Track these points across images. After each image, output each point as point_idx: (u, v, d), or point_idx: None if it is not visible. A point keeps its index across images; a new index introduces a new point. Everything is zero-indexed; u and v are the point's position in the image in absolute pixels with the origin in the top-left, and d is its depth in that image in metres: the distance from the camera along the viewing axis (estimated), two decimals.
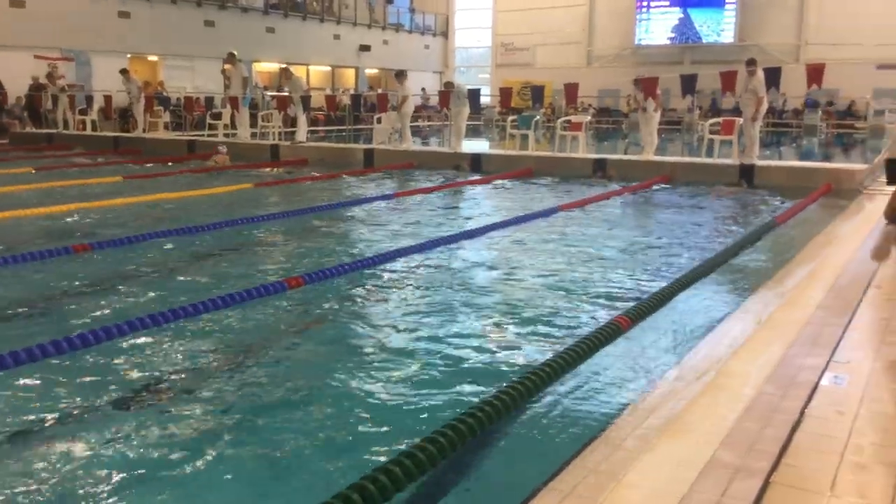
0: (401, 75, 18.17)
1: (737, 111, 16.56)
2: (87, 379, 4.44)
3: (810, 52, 31.27)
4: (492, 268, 7.42)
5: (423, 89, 28.93)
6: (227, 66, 19.61)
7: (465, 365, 4.72)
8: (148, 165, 16.53)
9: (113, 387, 4.34)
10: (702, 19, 35.50)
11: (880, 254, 4.72)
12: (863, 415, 3.57)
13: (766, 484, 2.91)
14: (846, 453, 3.17)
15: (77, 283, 6.70)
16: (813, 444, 3.26)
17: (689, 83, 15.23)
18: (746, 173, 13.45)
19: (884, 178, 12.32)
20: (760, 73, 13.72)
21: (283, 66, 19.46)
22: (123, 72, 21.04)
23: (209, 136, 21.21)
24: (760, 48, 28.79)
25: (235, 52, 19.77)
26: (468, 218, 10.55)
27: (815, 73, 13.59)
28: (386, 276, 6.96)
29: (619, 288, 6.55)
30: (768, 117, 28.01)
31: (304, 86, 19.63)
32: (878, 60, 27.38)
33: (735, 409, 3.59)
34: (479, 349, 5.00)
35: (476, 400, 3.81)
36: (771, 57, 28.00)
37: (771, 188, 12.75)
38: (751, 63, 13.98)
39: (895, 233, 4.60)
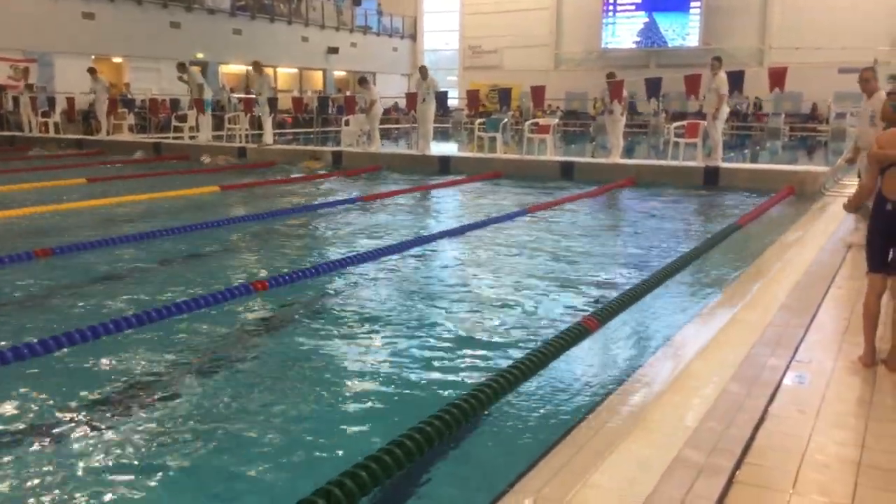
0: (364, 82, 18.14)
1: (702, 115, 16.72)
2: (48, 385, 4.36)
3: (773, 56, 31.69)
4: (459, 270, 7.43)
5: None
6: (182, 75, 19.53)
7: (431, 368, 4.72)
8: (112, 167, 16.32)
9: (78, 392, 4.27)
10: (667, 23, 35.85)
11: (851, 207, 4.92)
12: (824, 414, 3.62)
13: (729, 483, 2.94)
14: (808, 452, 3.22)
15: (39, 288, 6.59)
16: (776, 443, 3.30)
17: (653, 86, 15.37)
18: (711, 176, 13.60)
19: (845, 181, 12.59)
20: (723, 73, 13.83)
21: (255, 61, 19.21)
22: (91, 71, 20.75)
23: (174, 138, 21.01)
24: (725, 52, 29.04)
25: (184, 62, 19.63)
26: (436, 221, 10.56)
27: (777, 76, 13.77)
28: (352, 278, 6.94)
29: (586, 289, 6.59)
30: (731, 120, 28.34)
31: (272, 83, 19.51)
32: (841, 64, 27.80)
33: (699, 408, 3.63)
34: (445, 352, 5.00)
35: (443, 403, 3.80)
36: (735, 61, 28.31)
37: (736, 190, 12.91)
38: (714, 61, 14.09)
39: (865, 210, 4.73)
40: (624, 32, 36.87)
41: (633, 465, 3.08)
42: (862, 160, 7.88)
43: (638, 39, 36.65)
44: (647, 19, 36.26)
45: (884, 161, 4.25)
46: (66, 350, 4.76)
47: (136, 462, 3.48)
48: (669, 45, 35.83)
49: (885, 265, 4.31)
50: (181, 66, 19.33)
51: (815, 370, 4.21)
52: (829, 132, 27.90)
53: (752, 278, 6.48)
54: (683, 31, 35.58)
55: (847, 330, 4.90)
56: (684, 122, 16.60)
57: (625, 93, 15.27)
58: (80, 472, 3.39)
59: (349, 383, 4.47)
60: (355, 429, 3.89)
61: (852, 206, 4.89)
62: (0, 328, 5.43)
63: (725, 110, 14.25)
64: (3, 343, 4.83)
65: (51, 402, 4.16)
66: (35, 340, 4.76)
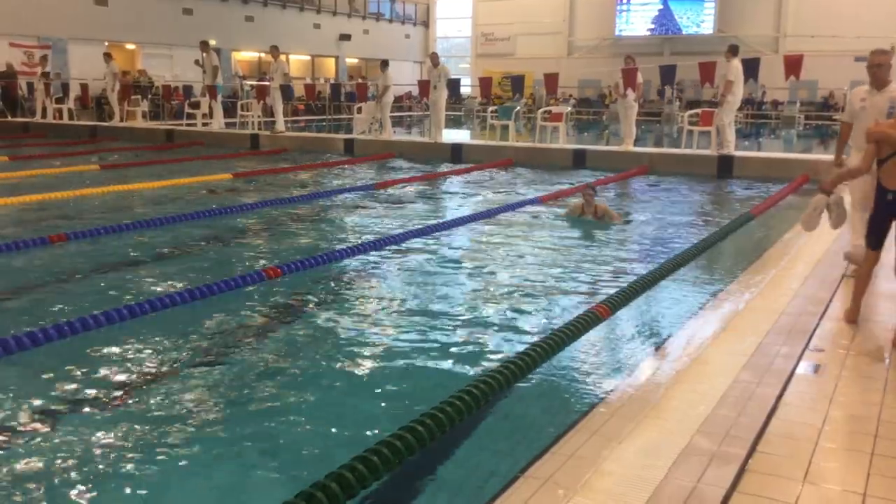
0: (385, 66, 18.13)
1: (716, 103, 16.58)
2: (67, 371, 4.40)
3: (789, 44, 31.41)
4: (472, 258, 7.42)
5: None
6: (203, 55, 19.51)
7: (442, 354, 4.72)
8: (126, 154, 16.38)
9: (92, 378, 4.31)
10: (682, 10, 35.57)
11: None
12: (837, 403, 3.61)
13: (741, 471, 2.94)
14: (820, 441, 3.21)
15: (55, 273, 6.63)
16: (787, 432, 3.30)
17: (668, 74, 15.26)
18: (725, 164, 13.52)
19: None
20: (736, 62, 13.66)
21: (274, 45, 19.19)
22: (106, 56, 20.75)
23: (187, 125, 21.06)
24: (740, 39, 28.80)
25: (207, 40, 19.60)
26: (448, 209, 10.55)
27: (793, 64, 13.65)
28: (365, 265, 6.95)
29: (598, 277, 6.57)
30: (746, 108, 28.10)
31: (286, 69, 19.51)
32: (857, 52, 27.51)
33: (711, 396, 3.62)
34: (456, 338, 5.00)
35: (454, 389, 3.81)
36: (750, 48, 28.09)
37: (749, 179, 12.84)
38: (728, 49, 13.91)
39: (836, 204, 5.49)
40: (638, 19, 36.62)
41: (644, 452, 3.08)
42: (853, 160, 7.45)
43: (652, 27, 36.39)
44: (661, 6, 35.97)
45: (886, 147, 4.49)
46: (77, 336, 4.79)
47: (143, 446, 3.51)
48: (684, 32, 35.55)
49: (880, 244, 4.74)
50: (204, 45, 19.31)
51: (828, 359, 4.19)
52: None
53: (766, 267, 6.46)
54: (698, 19, 35.29)
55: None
56: (698, 111, 16.50)
57: (639, 79, 15.15)
58: (88, 455, 3.42)
59: (361, 369, 4.49)
60: (366, 414, 3.90)
61: (835, 183, 5.50)
62: (15, 313, 5.47)
63: (734, 99, 13.94)
64: (23, 329, 4.87)
65: (63, 387, 4.20)
66: (50, 325, 4.80)
